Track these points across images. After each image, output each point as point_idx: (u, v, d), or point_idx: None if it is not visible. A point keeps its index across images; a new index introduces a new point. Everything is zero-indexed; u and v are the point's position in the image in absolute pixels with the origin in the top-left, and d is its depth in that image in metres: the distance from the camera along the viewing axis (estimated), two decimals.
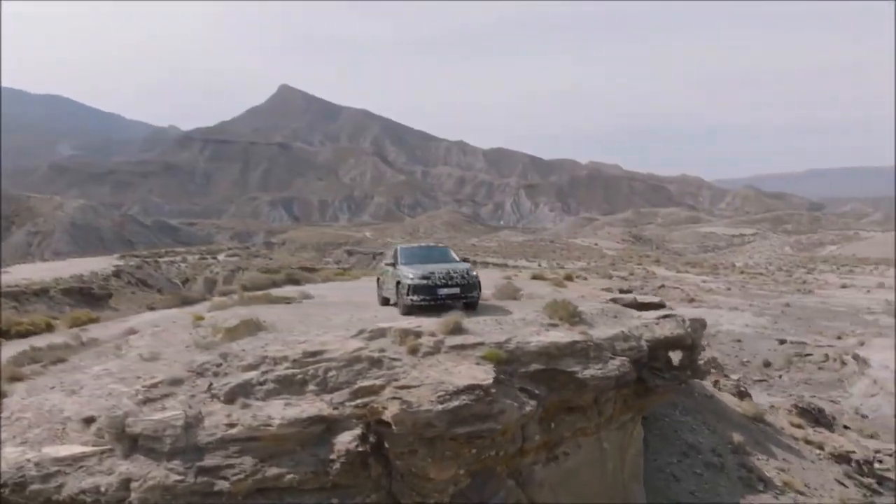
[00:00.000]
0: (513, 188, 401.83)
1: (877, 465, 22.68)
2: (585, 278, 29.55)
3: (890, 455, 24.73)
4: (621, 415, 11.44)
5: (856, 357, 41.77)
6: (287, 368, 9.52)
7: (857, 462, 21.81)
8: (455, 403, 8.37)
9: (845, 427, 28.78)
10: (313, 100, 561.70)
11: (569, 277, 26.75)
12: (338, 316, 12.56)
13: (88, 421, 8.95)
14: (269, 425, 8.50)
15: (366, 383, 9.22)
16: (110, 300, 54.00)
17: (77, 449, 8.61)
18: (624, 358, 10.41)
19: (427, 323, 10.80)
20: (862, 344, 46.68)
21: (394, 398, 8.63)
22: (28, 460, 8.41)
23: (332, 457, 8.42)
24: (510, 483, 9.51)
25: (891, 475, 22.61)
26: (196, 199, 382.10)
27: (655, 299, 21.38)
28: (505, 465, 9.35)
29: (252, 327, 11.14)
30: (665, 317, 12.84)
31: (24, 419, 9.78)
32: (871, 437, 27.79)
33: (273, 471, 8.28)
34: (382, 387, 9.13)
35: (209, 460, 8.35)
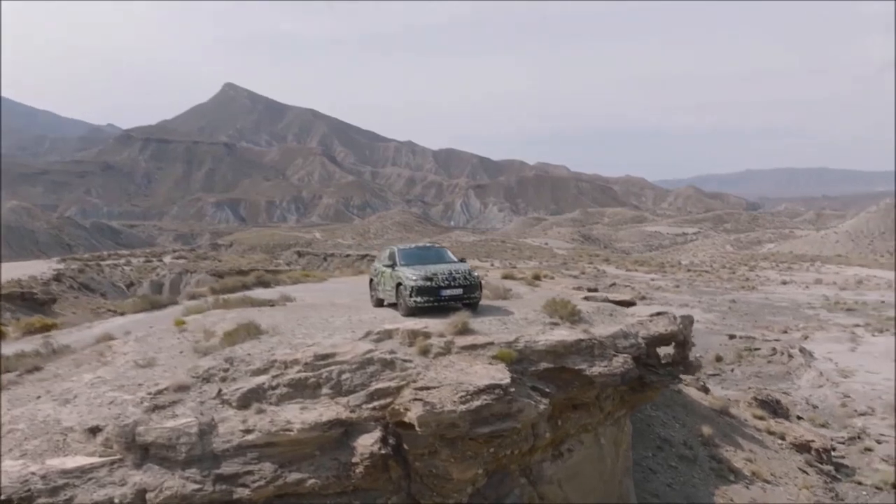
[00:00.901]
0: (462, 188, 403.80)
1: (833, 453, 23.80)
2: (552, 277, 29.96)
3: (843, 443, 25.95)
4: (616, 411, 11.71)
5: (802, 350, 43.57)
6: (299, 372, 9.38)
7: (817, 450, 22.84)
8: (477, 403, 8.42)
9: (798, 417, 30.03)
10: (259, 99, 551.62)
11: (537, 276, 27.08)
12: (335, 318, 12.42)
13: (94, 431, 8.62)
14: (289, 430, 8.36)
15: (381, 385, 9.18)
16: (54, 305, 51.93)
17: (85, 460, 8.29)
18: (626, 355, 10.66)
19: (433, 324, 10.81)
20: (806, 338, 48.70)
21: (415, 400, 8.61)
22: (33, 473, 8.05)
23: (355, 460, 8.35)
24: (522, 481, 9.63)
25: (846, 462, 23.77)
26: (137, 200, 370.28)
27: (627, 297, 21.90)
28: (517, 463, 9.46)
29: (253, 331, 10.92)
30: (658, 314, 13.20)
31: (16, 431, 9.35)
32: (823, 426, 29.03)
33: (294, 476, 8.16)
34: (398, 388, 9.11)
35: (227, 468, 8.16)
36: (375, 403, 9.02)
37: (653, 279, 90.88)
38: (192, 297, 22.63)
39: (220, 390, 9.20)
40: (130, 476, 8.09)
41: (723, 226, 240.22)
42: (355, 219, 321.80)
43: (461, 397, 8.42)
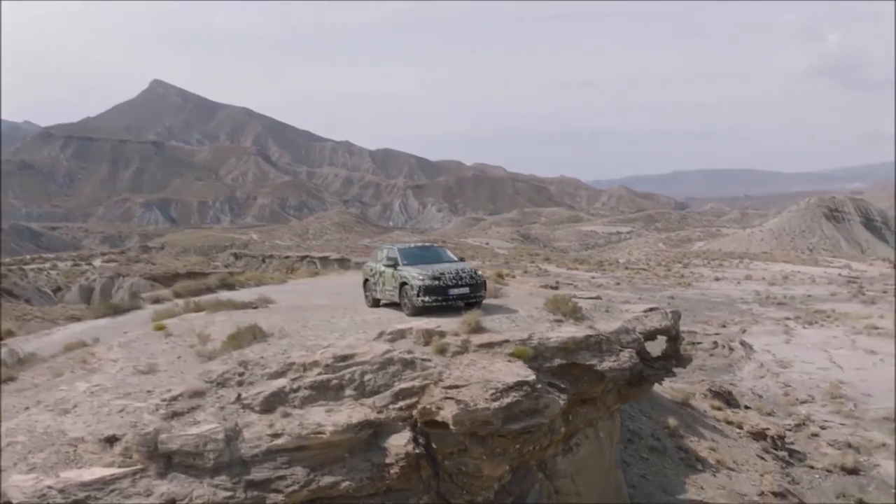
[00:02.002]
0: (400, 189, 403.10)
1: (784, 440, 25.08)
2: (514, 276, 30.37)
3: (790, 430, 27.38)
4: (613, 405, 12.05)
5: (742, 343, 45.55)
6: (319, 374, 9.23)
7: (772, 438, 24.03)
8: (507, 400, 8.51)
9: (746, 407, 31.41)
10: (189, 96, 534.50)
11: (500, 275, 27.38)
12: (336, 319, 12.27)
13: (110, 440, 8.25)
14: (321, 433, 8.23)
15: (405, 385, 9.15)
16: None
17: (104, 471, 7.92)
18: (630, 349, 10.99)
19: (445, 323, 10.84)
20: (744, 331, 50.88)
21: (447, 398, 8.63)
22: (49, 487, 7.64)
23: (389, 461, 8.29)
24: (540, 476, 9.79)
25: (797, 448, 25.10)
26: (58, 200, 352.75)
27: (592, 295, 22.45)
28: (535, 458, 9.62)
29: (258, 334, 10.67)
30: (651, 310, 13.64)
31: (16, 444, 8.86)
32: (769, 414, 30.44)
33: (327, 479, 8.04)
34: (422, 388, 9.11)
35: (257, 473, 7.97)
36: (401, 403, 8.99)
37: (593, 277, 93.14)
38: (156, 300, 21.80)
39: (239, 395, 8.97)
40: (156, 486, 7.79)
41: (654, 225, 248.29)
42: (292, 219, 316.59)
43: (492, 395, 8.50)
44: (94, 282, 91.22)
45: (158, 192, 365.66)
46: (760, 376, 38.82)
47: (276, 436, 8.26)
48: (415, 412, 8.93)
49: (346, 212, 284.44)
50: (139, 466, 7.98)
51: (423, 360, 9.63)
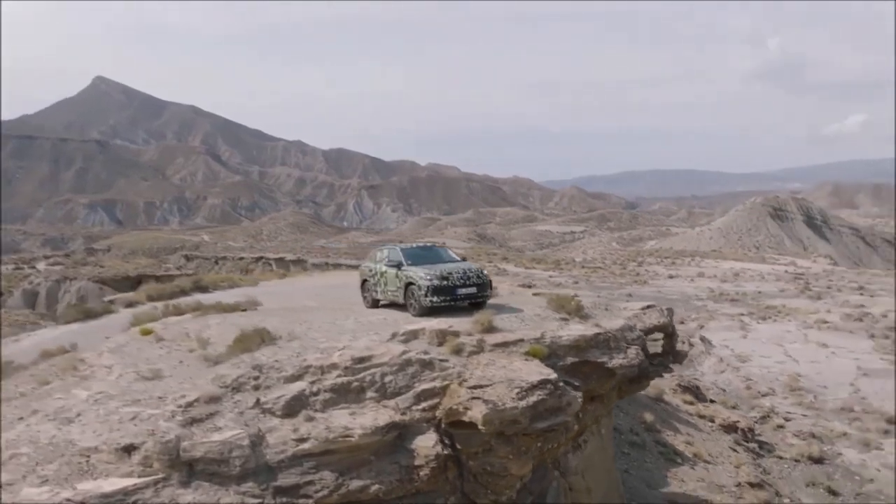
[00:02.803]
0: (354, 189, 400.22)
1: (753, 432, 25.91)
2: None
3: (756, 422, 28.28)
4: (614, 401, 12.23)
5: (702, 339, 46.78)
6: (339, 376, 9.08)
7: (742, 430, 24.80)
8: (533, 399, 8.54)
9: (711, 401, 32.30)
10: (135, 94, 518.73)
11: None
12: (340, 321, 12.08)
13: (128, 449, 7.94)
14: (349, 436, 8.09)
15: (426, 386, 9.09)
16: None
17: (124, 482, 7.62)
18: (637, 347, 11.18)
19: (456, 323, 10.80)
20: (702, 327, 52.25)
21: (474, 398, 8.60)
22: (68, 500, 7.31)
23: (418, 463, 8.22)
24: (556, 473, 9.86)
25: (764, 439, 25.95)
26: None
27: (552, 293, 22.76)
28: (551, 456, 9.68)
29: (267, 337, 10.43)
30: (648, 307, 13.89)
31: (21, 455, 8.45)
32: (734, 407, 31.36)
33: (356, 483, 7.92)
34: (443, 388, 9.06)
35: (284, 479, 7.79)
36: (424, 404, 8.93)
37: (551, 276, 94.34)
38: (129, 304, 21.11)
39: (258, 399, 8.75)
40: (180, 495, 7.53)
41: (606, 224, 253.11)
42: (244, 220, 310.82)
43: (517, 394, 8.52)
44: (39, 286, 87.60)
45: (103, 193, 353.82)
46: (721, 371, 39.94)
47: (302, 440, 8.10)
48: (437, 413, 8.88)
49: (301, 212, 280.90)
50: (161, 475, 7.72)
51: (441, 360, 9.58)
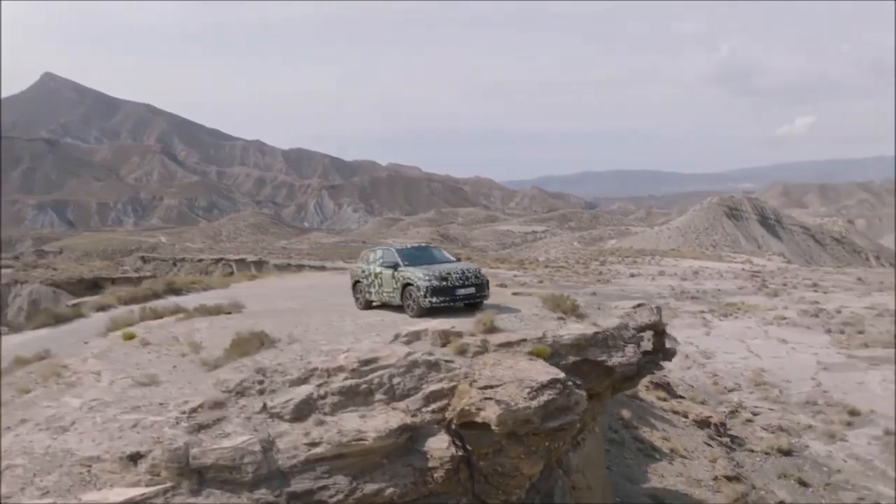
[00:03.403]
0: (315, 189, 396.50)
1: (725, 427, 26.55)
2: None
3: (727, 417, 29.00)
4: (609, 399, 12.38)
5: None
6: (346, 379, 8.95)
7: (715, 425, 25.39)
8: (544, 398, 8.56)
9: (680, 397, 32.96)
10: (86, 91, 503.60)
11: None
12: (337, 322, 11.92)
13: (134, 458, 7.68)
14: (363, 439, 7.99)
15: (434, 387, 9.03)
16: None
17: (131, 491, 7.37)
18: (633, 345, 11.32)
19: (457, 323, 10.77)
20: (666, 325, 53.10)
21: (486, 399, 8.58)
22: None
23: (432, 465, 8.16)
24: (560, 472, 9.92)
25: (735, 433, 26.62)
26: None
27: (528, 293, 22.94)
28: (555, 455, 9.73)
29: (266, 340, 10.22)
30: (639, 306, 14.09)
31: (14, 467, 8.11)
32: (703, 403, 32.08)
33: (371, 487, 7.82)
34: (451, 389, 9.02)
35: (298, 485, 7.65)
36: (434, 406, 8.87)
37: (516, 275, 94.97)
38: (99, 308, 20.45)
39: (265, 404, 8.57)
40: None
41: (567, 224, 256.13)
42: (202, 221, 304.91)
43: (528, 393, 8.53)
44: None
45: (53, 193, 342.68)
46: (688, 367, 40.77)
47: (314, 444, 7.96)
48: (447, 414, 8.84)
49: (261, 213, 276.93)
50: (169, 484, 7.49)
51: (447, 361, 9.54)
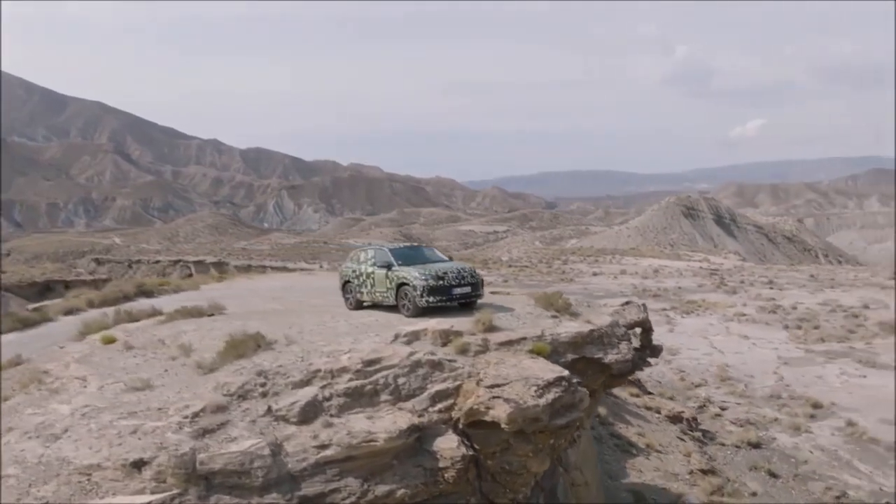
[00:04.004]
0: (274, 189, 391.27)
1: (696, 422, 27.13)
2: None
3: (697, 412, 29.61)
4: (602, 396, 12.50)
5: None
6: (351, 380, 8.82)
7: (687, 420, 25.91)
8: (551, 396, 8.58)
9: (650, 393, 33.52)
10: (34, 88, 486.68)
11: None
12: (331, 322, 11.77)
13: (138, 465, 7.43)
14: (374, 441, 7.88)
15: (439, 387, 8.97)
16: None
17: (136, 499, 7.13)
18: (626, 342, 11.46)
19: (455, 322, 10.73)
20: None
21: (494, 398, 8.55)
22: None
23: (443, 465, 8.10)
24: (560, 469, 9.97)
25: (706, 427, 27.21)
26: None
27: (506, 291, 23.11)
28: (557, 452, 9.78)
29: (262, 342, 10.02)
30: (627, 303, 14.26)
31: (7, 477, 7.78)
32: (671, 398, 32.70)
33: (382, 488, 7.73)
34: (456, 389, 8.98)
35: (309, 488, 7.51)
36: (440, 405, 8.81)
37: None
38: (68, 311, 19.77)
39: (269, 407, 8.39)
40: None
41: (529, 224, 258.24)
42: (157, 221, 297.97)
43: (535, 391, 8.55)
44: None
45: None
46: (654, 364, 41.34)
47: (324, 447, 7.83)
48: (454, 413, 8.80)
49: (219, 213, 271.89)
50: (176, 491, 7.28)
51: (449, 360, 9.50)
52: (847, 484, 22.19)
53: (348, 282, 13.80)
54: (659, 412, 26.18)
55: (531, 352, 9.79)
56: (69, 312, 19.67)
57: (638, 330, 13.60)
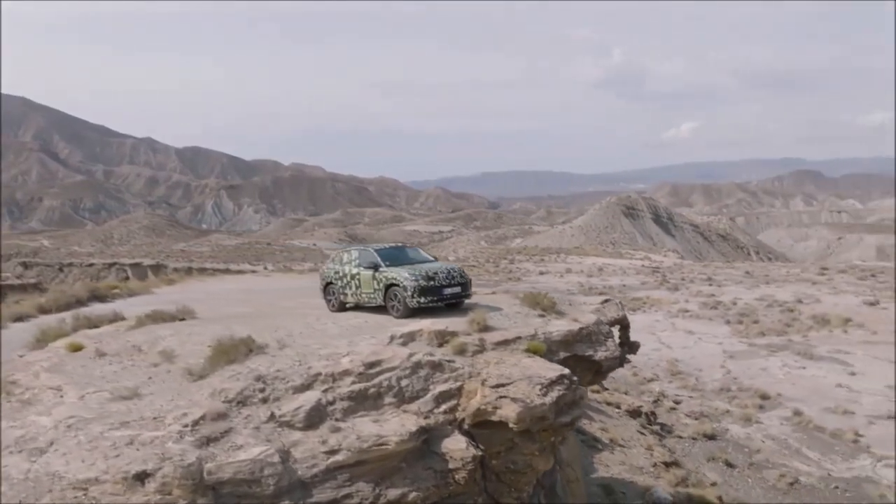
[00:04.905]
0: (213, 189, 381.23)
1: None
2: None
3: (653, 406, 30.42)
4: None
5: None
6: (354, 383, 8.65)
7: (646, 414, 26.59)
8: (555, 394, 8.64)
9: (606, 388, 34.20)
10: None
11: None
12: (320, 325, 11.53)
13: (140, 477, 7.09)
14: (385, 444, 7.75)
15: (442, 388, 8.90)
16: None
17: None
18: (612, 339, 11.66)
19: (449, 323, 10.67)
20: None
21: (501, 397, 8.54)
22: None
23: (454, 466, 8.03)
24: (556, 466, 10.05)
25: (662, 421, 27.98)
26: None
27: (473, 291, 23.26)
28: (554, 449, 9.86)
29: (254, 346, 9.71)
30: (606, 301, 14.49)
31: None
32: (626, 393, 33.48)
33: (394, 492, 7.61)
34: (458, 389, 8.94)
35: (320, 495, 7.33)
36: (444, 406, 8.75)
37: None
38: (18, 318, 18.71)
39: (272, 412, 8.15)
40: None
41: (473, 224, 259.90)
42: (89, 223, 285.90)
43: (540, 390, 8.59)
44: None
45: None
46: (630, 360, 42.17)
47: (333, 452, 7.66)
48: (458, 414, 8.76)
49: (156, 214, 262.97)
50: (183, 503, 6.99)
51: (448, 361, 9.45)
52: (798, 470, 23.23)
53: (330, 283, 13.55)
54: (619, 407, 26.79)
55: (527, 351, 9.85)
56: (19, 319, 18.66)
57: (617, 327, 13.87)
